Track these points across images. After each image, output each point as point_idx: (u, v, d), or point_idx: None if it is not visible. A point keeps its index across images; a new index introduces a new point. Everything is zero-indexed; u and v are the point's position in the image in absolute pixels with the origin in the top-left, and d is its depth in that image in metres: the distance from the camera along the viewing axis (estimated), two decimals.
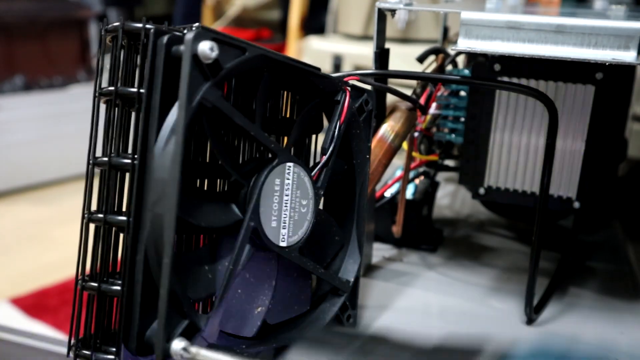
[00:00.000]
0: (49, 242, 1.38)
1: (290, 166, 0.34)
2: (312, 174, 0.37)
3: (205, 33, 0.28)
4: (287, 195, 0.34)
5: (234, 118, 0.31)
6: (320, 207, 0.38)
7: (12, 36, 1.72)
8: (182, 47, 0.28)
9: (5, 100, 1.65)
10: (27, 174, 1.70)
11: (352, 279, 0.40)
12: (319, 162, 0.38)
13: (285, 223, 0.34)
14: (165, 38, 0.28)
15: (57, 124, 1.75)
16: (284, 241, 0.34)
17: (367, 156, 0.41)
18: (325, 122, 0.40)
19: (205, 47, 0.28)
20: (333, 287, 0.40)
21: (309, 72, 0.36)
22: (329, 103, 0.39)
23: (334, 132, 0.38)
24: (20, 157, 1.67)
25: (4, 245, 1.36)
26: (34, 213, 1.55)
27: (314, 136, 0.41)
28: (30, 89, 1.75)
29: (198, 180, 0.35)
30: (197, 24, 0.31)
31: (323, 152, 0.38)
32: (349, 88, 0.39)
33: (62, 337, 0.97)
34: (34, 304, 1.10)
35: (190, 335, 0.29)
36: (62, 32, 1.84)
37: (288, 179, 0.34)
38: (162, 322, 0.27)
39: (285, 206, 0.34)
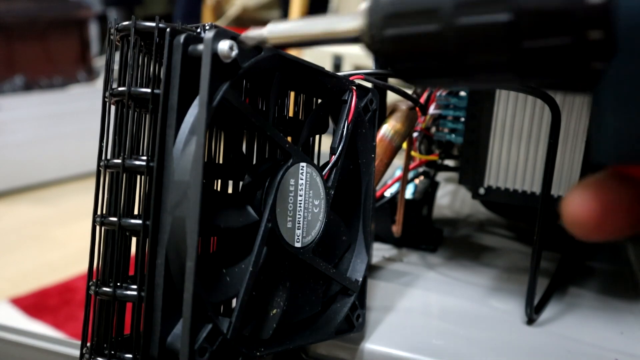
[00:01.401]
0: (49, 242, 1.38)
1: (303, 166, 0.34)
2: (323, 173, 0.37)
3: (224, 32, 0.28)
4: (301, 196, 0.34)
5: (252, 118, 0.30)
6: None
7: (12, 36, 1.72)
8: (199, 47, 0.28)
9: (5, 100, 1.65)
10: (27, 174, 1.70)
11: (360, 279, 0.40)
12: (328, 162, 0.38)
13: (299, 224, 0.34)
14: (182, 37, 0.28)
15: (57, 124, 1.75)
16: (298, 242, 0.34)
17: (373, 155, 0.41)
18: (330, 123, 0.40)
19: (225, 47, 0.27)
20: (342, 287, 0.40)
21: (319, 72, 0.36)
22: (336, 103, 0.39)
23: (343, 131, 0.38)
24: (20, 157, 1.67)
25: (4, 245, 1.36)
26: (34, 213, 1.55)
27: (317, 136, 0.41)
28: (30, 89, 1.75)
29: (212, 182, 0.34)
30: (209, 23, 0.30)
31: (332, 152, 0.38)
32: (355, 87, 0.39)
33: (63, 336, 0.97)
34: (34, 304, 1.10)
35: (214, 339, 0.29)
36: (62, 32, 1.84)
37: (302, 179, 0.34)
38: (187, 326, 0.27)
39: (300, 206, 0.34)
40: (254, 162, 0.36)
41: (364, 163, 0.40)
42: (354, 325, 0.40)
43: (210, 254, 0.34)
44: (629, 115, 0.20)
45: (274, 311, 0.34)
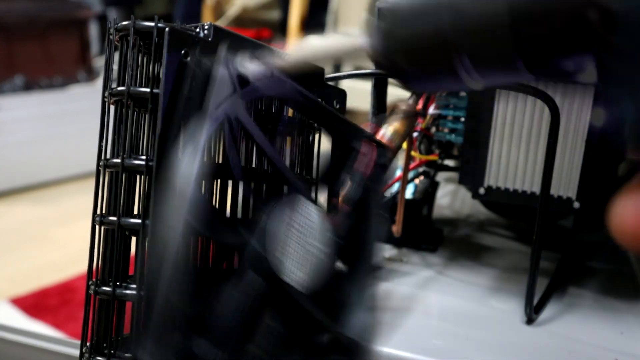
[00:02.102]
0: (49, 242, 1.38)
1: (307, 203, 0.33)
2: (331, 219, 0.35)
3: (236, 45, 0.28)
4: (300, 233, 0.32)
5: (255, 136, 0.30)
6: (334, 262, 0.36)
7: (12, 36, 1.72)
8: (208, 62, 0.28)
9: (5, 100, 1.65)
10: (27, 174, 1.70)
11: (363, 343, 0.37)
12: (339, 209, 0.36)
13: (297, 261, 0.32)
14: (195, 52, 0.28)
15: (57, 124, 1.75)
16: (292, 279, 0.32)
17: (382, 215, 0.39)
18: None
19: (238, 64, 0.28)
20: (341, 347, 0.36)
21: (335, 117, 0.36)
22: (348, 150, 0.37)
23: (357, 182, 0.36)
24: (20, 157, 1.67)
25: (4, 245, 1.36)
26: (34, 213, 1.55)
27: (317, 136, 0.41)
28: (30, 89, 1.75)
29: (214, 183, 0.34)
30: (208, 23, 0.30)
31: (345, 202, 0.36)
32: (375, 142, 0.38)
33: (63, 336, 0.97)
34: (34, 304, 1.10)
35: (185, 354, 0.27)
36: (62, 32, 1.84)
37: (302, 215, 0.32)
38: (155, 327, 0.26)
39: (299, 244, 0.32)
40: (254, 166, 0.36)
41: (373, 223, 0.38)
42: None
43: (197, 269, 0.33)
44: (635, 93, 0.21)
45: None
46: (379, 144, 0.39)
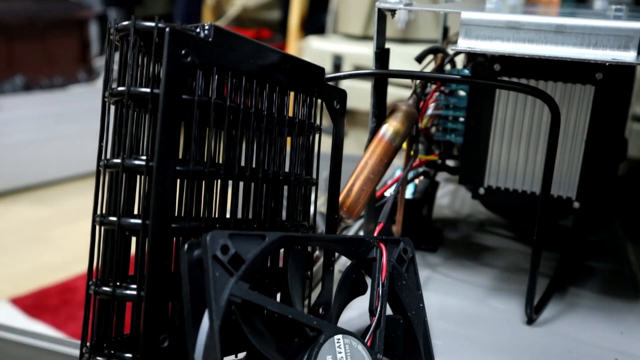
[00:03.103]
0: (49, 242, 1.38)
1: (339, 338, 0.32)
2: (366, 339, 0.34)
3: (220, 233, 0.28)
4: None
5: (268, 306, 0.30)
6: None
7: (12, 36, 1.71)
8: (197, 252, 0.28)
9: (5, 100, 1.65)
10: (27, 174, 1.70)
11: None
12: (370, 326, 0.35)
13: None
14: (185, 247, 0.28)
15: (57, 124, 1.75)
16: None
17: (421, 305, 0.38)
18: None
19: (223, 246, 0.28)
20: None
21: (340, 240, 0.36)
22: (365, 263, 0.37)
23: (378, 291, 0.36)
24: (20, 157, 1.67)
25: (4, 245, 1.36)
26: (34, 213, 1.55)
27: (317, 136, 0.41)
28: (30, 89, 1.75)
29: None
30: (209, 23, 0.30)
31: (371, 314, 0.36)
32: (382, 242, 0.37)
33: (63, 336, 0.97)
34: (34, 304, 1.10)
35: None
36: (62, 32, 1.84)
37: (340, 351, 0.32)
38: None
39: None
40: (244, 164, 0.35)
41: (414, 315, 0.37)
42: None
43: None
44: None
45: None
46: (389, 241, 0.38)
